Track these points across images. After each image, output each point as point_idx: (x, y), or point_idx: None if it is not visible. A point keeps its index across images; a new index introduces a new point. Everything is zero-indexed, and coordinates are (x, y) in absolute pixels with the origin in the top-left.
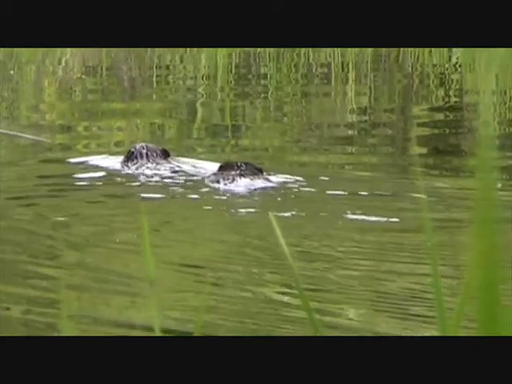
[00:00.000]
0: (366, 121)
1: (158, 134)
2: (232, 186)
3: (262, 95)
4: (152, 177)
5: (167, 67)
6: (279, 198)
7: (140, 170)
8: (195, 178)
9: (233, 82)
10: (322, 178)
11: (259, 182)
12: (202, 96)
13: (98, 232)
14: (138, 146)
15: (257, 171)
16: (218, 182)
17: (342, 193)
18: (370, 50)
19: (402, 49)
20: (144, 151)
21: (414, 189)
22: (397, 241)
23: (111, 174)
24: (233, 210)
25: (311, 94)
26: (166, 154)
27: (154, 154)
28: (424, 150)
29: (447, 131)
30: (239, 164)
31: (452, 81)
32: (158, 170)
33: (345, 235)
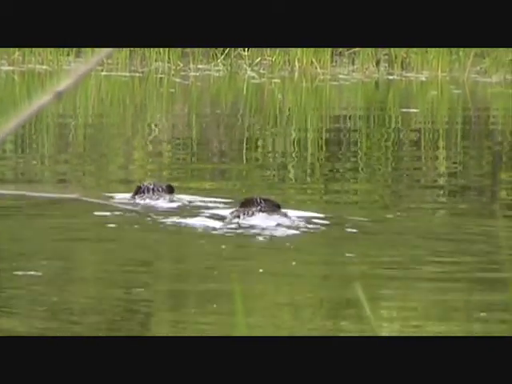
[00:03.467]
0: (455, 184)
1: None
2: (250, 220)
3: (352, 159)
4: (163, 209)
5: (256, 142)
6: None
7: (147, 202)
8: (217, 211)
9: (324, 147)
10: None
11: (276, 218)
12: (294, 159)
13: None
14: (145, 183)
15: (275, 207)
16: (239, 216)
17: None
18: (459, 115)
19: (491, 117)
20: (151, 186)
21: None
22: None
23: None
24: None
25: (402, 157)
26: (170, 189)
27: (160, 189)
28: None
29: None
30: (259, 200)
31: None
32: (163, 201)
33: None
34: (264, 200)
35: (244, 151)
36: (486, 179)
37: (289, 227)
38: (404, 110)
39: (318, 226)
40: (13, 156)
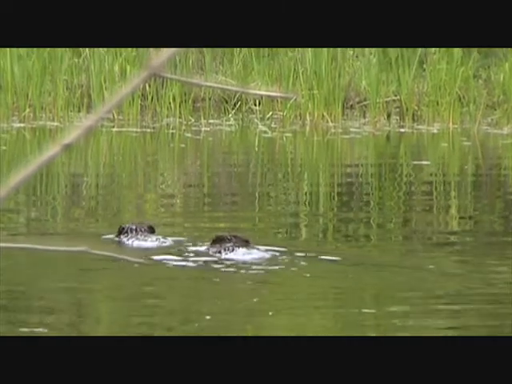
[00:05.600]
0: (469, 230)
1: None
2: (233, 255)
3: (365, 210)
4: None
5: (268, 197)
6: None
7: (131, 241)
8: (195, 249)
9: (335, 208)
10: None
11: (255, 251)
12: (306, 210)
13: None
14: (127, 224)
15: (245, 242)
16: (220, 252)
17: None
18: (470, 167)
19: (503, 169)
20: (133, 227)
21: None
22: None
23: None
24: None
25: (413, 207)
26: (152, 230)
27: (142, 229)
28: None
29: None
30: (229, 237)
31: None
32: (146, 241)
33: None
34: (234, 236)
35: (256, 204)
36: (498, 232)
37: (270, 261)
38: (416, 162)
39: (298, 260)
40: (25, 209)
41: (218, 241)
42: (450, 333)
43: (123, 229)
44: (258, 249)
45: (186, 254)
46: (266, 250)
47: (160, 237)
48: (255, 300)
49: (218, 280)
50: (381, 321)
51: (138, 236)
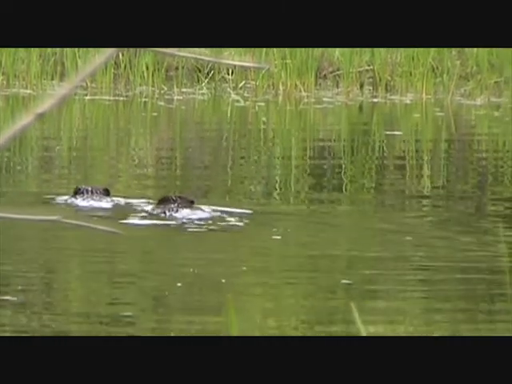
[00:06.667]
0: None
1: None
2: (177, 215)
3: (336, 177)
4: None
5: (241, 158)
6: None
7: (86, 202)
8: (139, 208)
9: (308, 170)
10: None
11: (198, 212)
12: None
13: None
14: (84, 185)
15: (190, 203)
16: (165, 213)
17: None
18: (443, 140)
19: (476, 135)
20: (89, 188)
21: None
22: None
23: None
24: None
25: (385, 184)
26: (107, 192)
27: (98, 192)
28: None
29: None
30: (174, 198)
31: None
32: (101, 202)
33: None
34: (179, 197)
35: (228, 171)
36: (471, 196)
37: (210, 219)
38: (388, 132)
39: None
40: None
41: (163, 201)
42: (421, 304)
43: (79, 189)
44: (202, 209)
45: (135, 215)
46: (212, 211)
47: (114, 198)
48: (213, 262)
49: (169, 244)
50: (353, 285)
51: (93, 197)
